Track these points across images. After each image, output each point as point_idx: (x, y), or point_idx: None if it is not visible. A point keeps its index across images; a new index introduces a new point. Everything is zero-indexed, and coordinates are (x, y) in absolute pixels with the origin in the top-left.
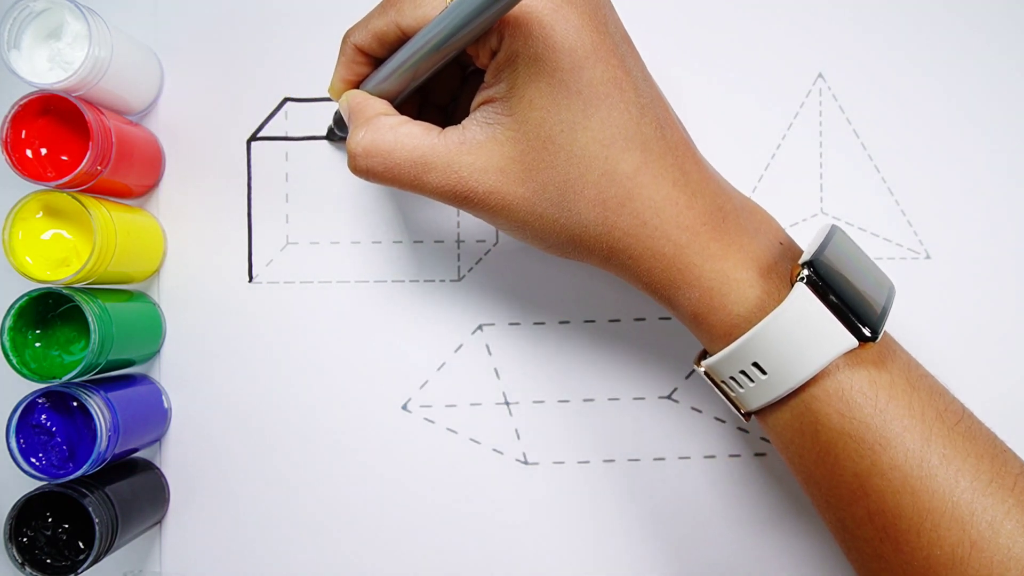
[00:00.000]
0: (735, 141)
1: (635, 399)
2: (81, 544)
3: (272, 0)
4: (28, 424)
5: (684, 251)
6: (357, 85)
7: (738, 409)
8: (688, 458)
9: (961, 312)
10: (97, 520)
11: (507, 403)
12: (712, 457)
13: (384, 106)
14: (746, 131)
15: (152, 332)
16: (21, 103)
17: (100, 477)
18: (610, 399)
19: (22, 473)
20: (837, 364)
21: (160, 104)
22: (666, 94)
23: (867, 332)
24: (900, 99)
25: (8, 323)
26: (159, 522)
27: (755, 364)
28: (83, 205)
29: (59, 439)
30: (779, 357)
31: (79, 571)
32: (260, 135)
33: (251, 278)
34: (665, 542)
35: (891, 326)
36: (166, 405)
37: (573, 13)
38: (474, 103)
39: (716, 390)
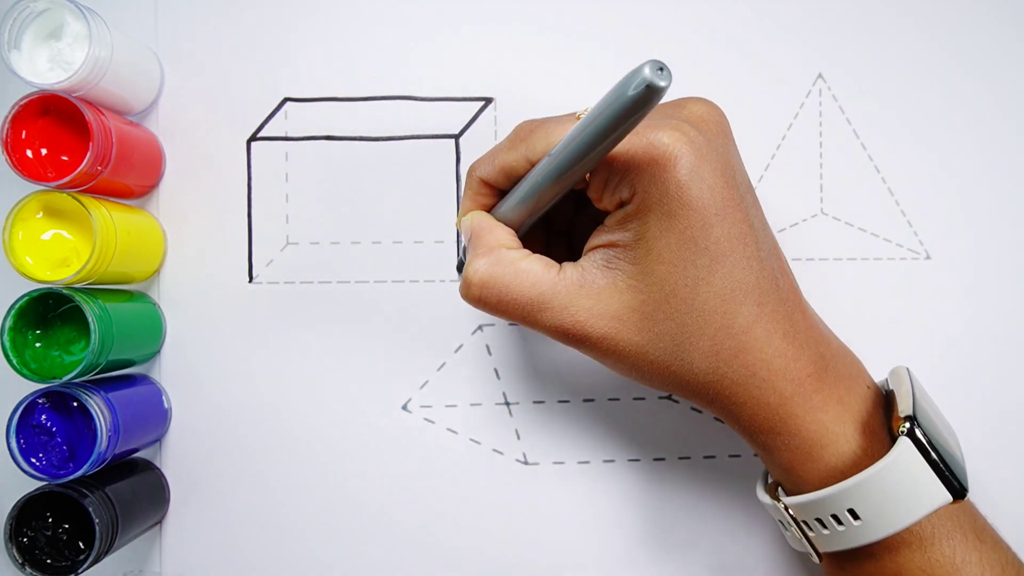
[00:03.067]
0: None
1: (635, 399)
2: (81, 544)
3: (272, 0)
4: (28, 424)
5: (788, 402)
6: None
7: (814, 549)
8: (688, 458)
9: (961, 312)
10: (97, 520)
11: (507, 403)
12: (712, 457)
13: (507, 236)
14: (746, 131)
15: (152, 332)
16: (21, 103)
17: (100, 477)
18: (610, 399)
19: (22, 473)
20: (924, 520)
21: (160, 104)
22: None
23: (959, 487)
24: (900, 99)
25: (8, 323)
26: (159, 522)
27: (850, 511)
28: (83, 205)
29: (59, 439)
30: (877, 507)
31: (79, 571)
32: (260, 135)
33: (251, 278)
34: (665, 542)
35: (891, 327)
36: (166, 405)
37: (708, 170)
38: (593, 242)
39: (788, 527)
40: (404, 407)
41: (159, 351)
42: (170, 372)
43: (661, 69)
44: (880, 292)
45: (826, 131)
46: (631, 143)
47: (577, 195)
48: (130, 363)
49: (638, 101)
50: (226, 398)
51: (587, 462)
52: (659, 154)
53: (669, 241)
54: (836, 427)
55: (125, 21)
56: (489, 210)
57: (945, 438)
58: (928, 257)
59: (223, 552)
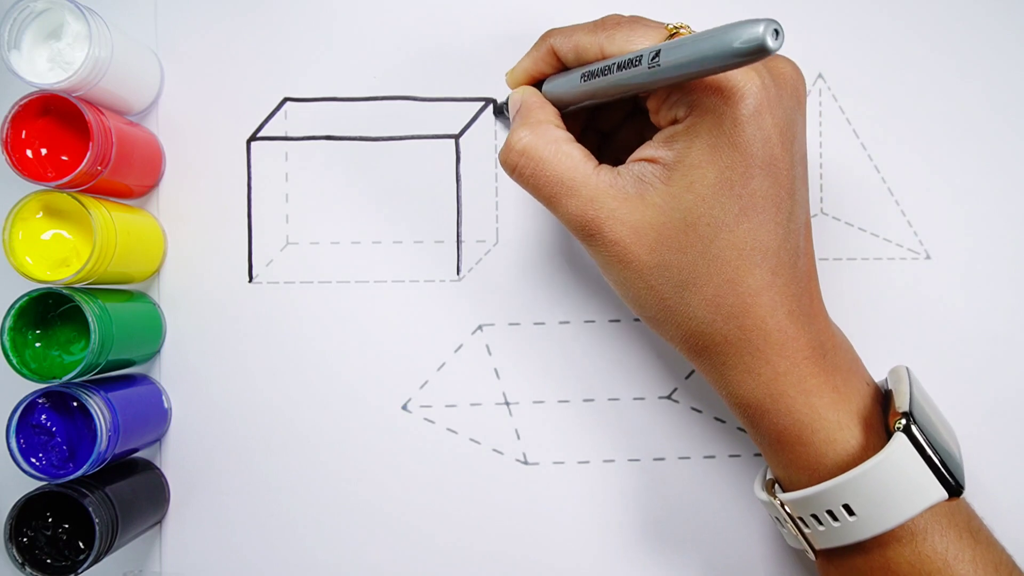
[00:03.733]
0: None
1: (635, 399)
2: (81, 544)
3: (272, 0)
4: (28, 424)
5: (780, 379)
6: (534, 81)
7: (809, 545)
8: (688, 458)
9: (961, 312)
10: (97, 520)
11: (507, 403)
12: (712, 457)
13: (554, 116)
14: None
15: (152, 332)
16: (21, 103)
17: (100, 477)
18: (610, 399)
19: (22, 473)
20: (916, 516)
21: (160, 104)
22: None
23: (954, 484)
24: (900, 99)
25: (8, 323)
26: (159, 522)
27: (845, 506)
28: (83, 205)
29: (59, 439)
30: (872, 503)
31: (79, 571)
32: (260, 135)
33: (251, 278)
34: (665, 542)
35: (891, 327)
36: (166, 405)
37: (769, 121)
38: (636, 154)
39: (784, 524)
40: (404, 407)
41: (159, 351)
42: (170, 372)
43: (777, 32)
44: (880, 292)
45: (826, 131)
46: None
47: (630, 103)
48: (130, 363)
49: (741, 56)
50: (226, 398)
51: (587, 462)
52: (728, 85)
53: (706, 174)
54: (830, 414)
55: (125, 21)
56: (541, 82)
57: (942, 436)
58: (928, 257)
59: (223, 552)
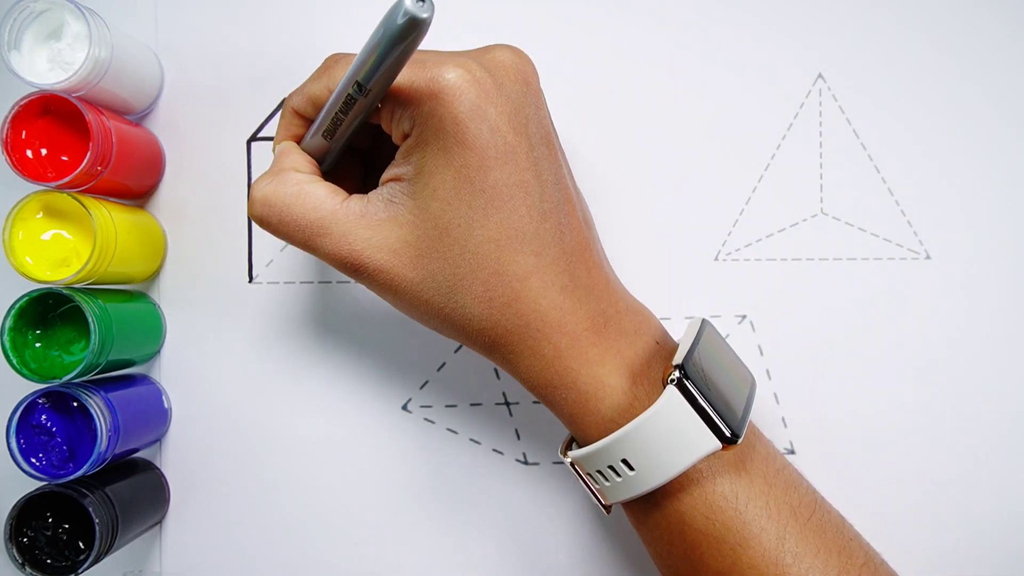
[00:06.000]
0: (735, 141)
1: None
2: (81, 544)
3: (272, 1)
4: (28, 424)
5: (563, 355)
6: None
7: (600, 501)
8: None
9: (961, 312)
10: (97, 520)
11: (507, 403)
12: None
13: (302, 161)
14: (746, 131)
15: (152, 332)
16: (21, 103)
17: (100, 477)
18: None
19: (22, 473)
20: (701, 466)
21: (160, 104)
22: (665, 95)
23: (729, 435)
24: (900, 99)
25: (8, 323)
26: (159, 522)
27: (624, 461)
28: (83, 205)
29: (59, 439)
30: (647, 456)
31: (79, 571)
32: (260, 135)
33: (251, 278)
34: None
35: (891, 327)
36: (166, 405)
37: (492, 111)
38: (383, 176)
39: (580, 481)
40: (404, 407)
41: (159, 351)
42: (170, 372)
43: (422, 1)
44: (880, 292)
45: (826, 131)
46: (416, 76)
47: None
48: (130, 363)
49: (403, 31)
50: (226, 398)
51: None
52: (439, 88)
53: (445, 178)
54: (612, 380)
55: (125, 21)
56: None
57: (719, 387)
58: (928, 257)
59: (223, 552)
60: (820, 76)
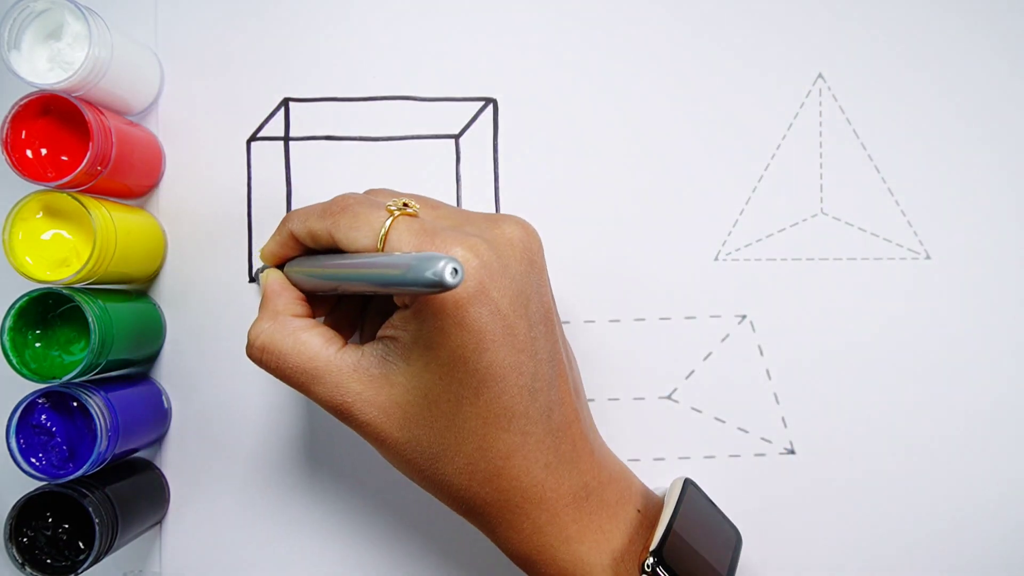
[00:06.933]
0: (735, 141)
1: (635, 399)
2: (81, 544)
3: (272, 1)
4: (28, 424)
5: (542, 531)
6: (282, 262)
7: None
8: (688, 458)
9: (961, 312)
10: (97, 520)
11: None
12: (712, 457)
13: (295, 302)
14: (746, 131)
15: (152, 332)
16: (21, 103)
17: (100, 477)
18: (610, 399)
19: (22, 473)
20: None
21: (160, 104)
22: (666, 95)
23: None
24: (900, 99)
25: (8, 323)
26: (159, 522)
27: None
28: (83, 205)
29: (59, 439)
30: None
31: (79, 571)
32: (260, 135)
33: (251, 278)
34: None
35: (891, 327)
36: (166, 405)
37: (496, 294)
38: (381, 331)
39: None
40: None
41: (159, 351)
42: (170, 372)
43: (456, 271)
44: (880, 292)
45: (826, 131)
46: (423, 249)
47: None
48: (130, 363)
49: (430, 286)
50: (226, 398)
51: None
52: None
53: (440, 355)
54: (592, 558)
55: (125, 21)
56: (292, 259)
57: (703, 555)
58: (928, 257)
59: (223, 552)
60: (820, 76)
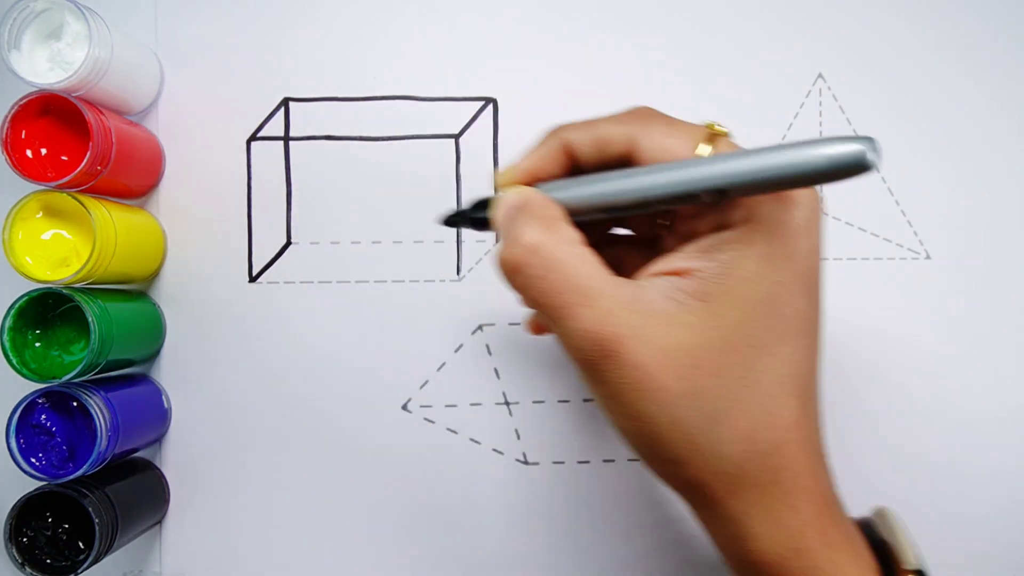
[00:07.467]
0: (735, 141)
1: None
2: (81, 544)
3: (272, 0)
4: (28, 424)
5: (807, 528)
6: (532, 184)
7: None
8: None
9: (961, 312)
10: (97, 520)
11: (507, 403)
12: None
13: (566, 215)
14: (747, 131)
15: (152, 332)
16: (21, 103)
17: (100, 477)
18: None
19: (22, 473)
20: None
21: (160, 104)
22: (666, 96)
23: None
24: (900, 99)
25: (8, 323)
26: (159, 522)
27: None
28: (83, 205)
29: (59, 439)
30: None
31: (79, 571)
32: (260, 135)
33: (251, 278)
34: (665, 542)
35: (891, 327)
36: (166, 405)
37: (816, 232)
38: (658, 266)
39: None
40: (404, 407)
41: (159, 351)
42: (170, 372)
43: (876, 148)
44: (880, 292)
45: (826, 131)
46: None
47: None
48: (130, 363)
49: (830, 172)
50: (226, 398)
51: (587, 462)
52: (786, 191)
53: (757, 288)
54: (851, 570)
55: (125, 21)
56: (543, 181)
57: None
58: (928, 257)
59: (223, 552)
60: (820, 76)
